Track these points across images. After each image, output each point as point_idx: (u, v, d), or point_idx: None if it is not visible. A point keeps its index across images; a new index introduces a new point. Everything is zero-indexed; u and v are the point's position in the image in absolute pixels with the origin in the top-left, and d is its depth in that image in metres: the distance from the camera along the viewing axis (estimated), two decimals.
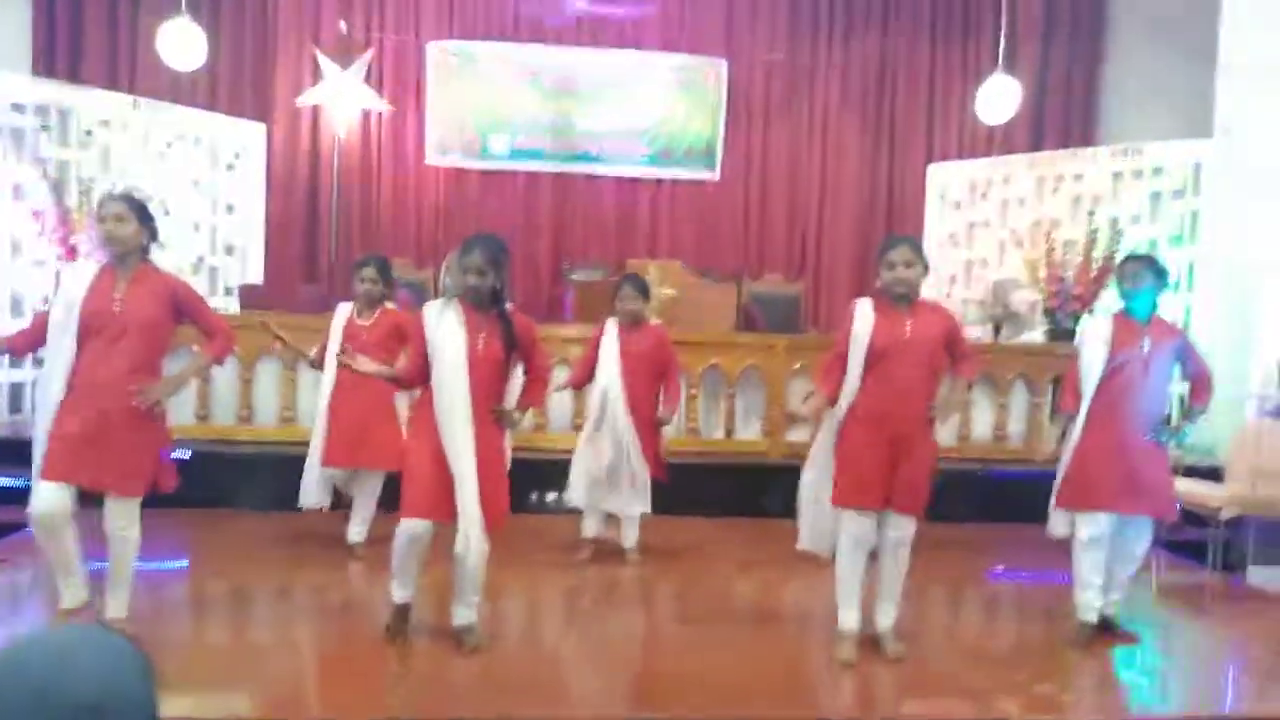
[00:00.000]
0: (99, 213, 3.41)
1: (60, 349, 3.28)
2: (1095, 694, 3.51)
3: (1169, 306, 7.10)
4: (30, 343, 3.48)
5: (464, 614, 3.45)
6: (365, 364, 3.45)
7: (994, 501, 5.85)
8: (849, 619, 3.50)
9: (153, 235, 3.45)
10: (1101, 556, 3.76)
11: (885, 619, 3.58)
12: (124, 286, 3.33)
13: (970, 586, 4.75)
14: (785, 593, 4.49)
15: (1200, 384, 3.91)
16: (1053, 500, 3.91)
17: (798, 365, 6.12)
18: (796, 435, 5.95)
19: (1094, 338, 3.80)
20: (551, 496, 5.70)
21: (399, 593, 3.47)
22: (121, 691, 0.88)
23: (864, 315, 3.42)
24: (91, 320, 3.27)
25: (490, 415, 3.35)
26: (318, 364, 4.66)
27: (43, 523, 3.25)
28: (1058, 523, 3.91)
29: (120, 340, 3.28)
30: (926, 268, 3.45)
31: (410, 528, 3.31)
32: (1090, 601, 3.79)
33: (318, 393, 4.70)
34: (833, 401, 3.46)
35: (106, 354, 3.27)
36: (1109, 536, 3.74)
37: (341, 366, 4.40)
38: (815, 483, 3.63)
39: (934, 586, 4.55)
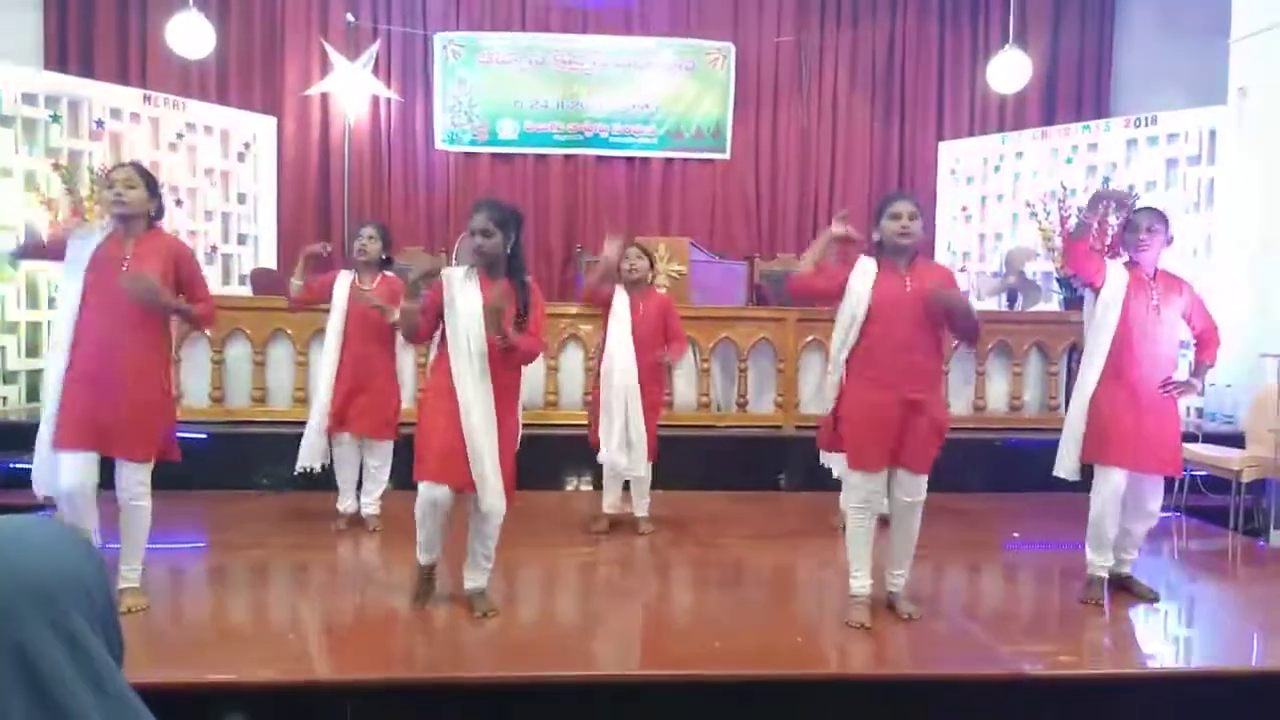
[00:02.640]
0: (109, 177, 3.44)
1: (66, 313, 3.31)
2: (1114, 652, 3.46)
3: (1188, 273, 7.03)
4: None
5: (475, 578, 3.48)
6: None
7: (1009, 471, 5.80)
8: (861, 583, 3.48)
9: (159, 209, 3.48)
10: (1115, 514, 3.74)
11: (898, 582, 3.56)
12: (131, 248, 3.34)
13: (986, 554, 4.70)
14: (800, 562, 4.46)
15: (1207, 338, 3.85)
16: (1061, 443, 3.86)
17: (810, 338, 6.09)
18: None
19: (1111, 284, 3.71)
20: (568, 476, 5.72)
21: (424, 556, 3.48)
22: (74, 575, 0.87)
23: (865, 271, 3.37)
24: (98, 283, 3.27)
25: (507, 385, 3.36)
26: (295, 300, 4.65)
27: (69, 497, 3.28)
28: (1065, 468, 3.84)
29: (125, 303, 3.26)
30: (923, 225, 3.39)
31: (428, 493, 3.31)
32: (1103, 559, 3.78)
33: (322, 354, 4.74)
34: (813, 269, 3.45)
35: (112, 317, 3.27)
36: (1122, 495, 3.71)
37: (349, 334, 4.52)
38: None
39: (949, 554, 4.52)
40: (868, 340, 3.35)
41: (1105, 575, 3.81)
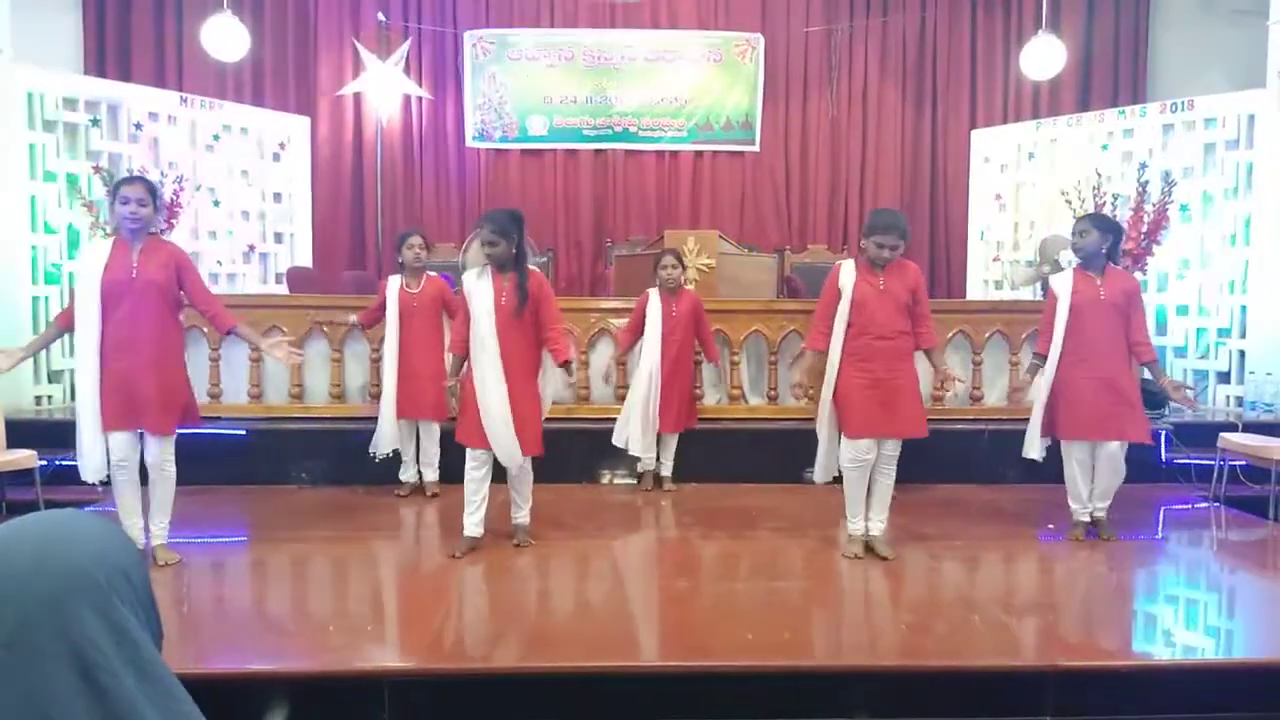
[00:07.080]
0: (123, 194, 3.75)
1: (88, 318, 3.76)
2: (1150, 644, 3.43)
3: (1228, 260, 6.93)
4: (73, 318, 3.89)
5: (517, 515, 4.31)
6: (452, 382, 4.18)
7: (1043, 462, 5.72)
8: (856, 524, 4.22)
9: (157, 211, 3.93)
10: (1082, 476, 4.52)
11: (879, 525, 4.23)
12: (137, 256, 3.80)
13: (1020, 545, 4.66)
14: (832, 554, 4.44)
15: (1139, 347, 4.43)
16: (1029, 427, 4.59)
17: None
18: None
19: (1057, 290, 4.45)
20: (602, 469, 5.76)
21: (469, 526, 4.16)
22: (116, 564, 0.91)
23: (848, 273, 4.10)
24: (112, 289, 3.74)
25: (519, 361, 4.03)
26: (361, 326, 5.48)
27: (118, 465, 3.85)
28: (1032, 447, 4.58)
29: (139, 303, 3.76)
30: (907, 241, 4.05)
31: (471, 455, 4.09)
32: (1081, 506, 4.57)
33: (384, 352, 5.31)
34: (823, 350, 4.12)
35: (129, 316, 3.75)
36: (1087, 459, 4.51)
37: (403, 333, 5.18)
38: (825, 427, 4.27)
39: (984, 546, 4.50)
40: (852, 331, 4.04)
41: (1086, 519, 4.58)
